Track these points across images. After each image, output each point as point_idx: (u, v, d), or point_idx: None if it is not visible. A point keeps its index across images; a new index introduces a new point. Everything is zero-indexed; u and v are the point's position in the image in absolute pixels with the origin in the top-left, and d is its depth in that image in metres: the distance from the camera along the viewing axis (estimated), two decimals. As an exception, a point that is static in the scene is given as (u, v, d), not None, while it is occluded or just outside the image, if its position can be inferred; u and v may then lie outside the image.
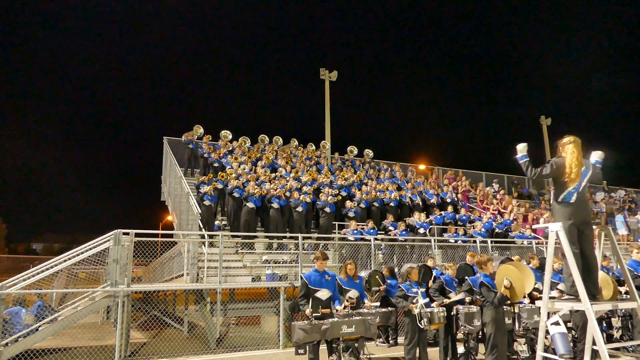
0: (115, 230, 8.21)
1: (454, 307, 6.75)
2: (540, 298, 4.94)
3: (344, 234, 12.05)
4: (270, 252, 11.68)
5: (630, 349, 6.79)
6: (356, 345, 5.93)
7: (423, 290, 6.82)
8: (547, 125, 26.21)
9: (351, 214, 13.17)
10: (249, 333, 9.78)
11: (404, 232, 12.46)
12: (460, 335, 6.94)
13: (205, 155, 15.54)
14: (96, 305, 8.07)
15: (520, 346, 7.07)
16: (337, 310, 6.06)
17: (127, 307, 7.81)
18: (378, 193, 14.60)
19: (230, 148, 16.51)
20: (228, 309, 9.66)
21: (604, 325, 7.41)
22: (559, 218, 4.56)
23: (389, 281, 8.52)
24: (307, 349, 5.52)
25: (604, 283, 5.15)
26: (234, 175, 13.34)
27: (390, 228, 12.94)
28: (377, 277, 8.53)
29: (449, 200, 16.04)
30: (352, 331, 5.50)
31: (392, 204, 14.43)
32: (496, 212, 16.48)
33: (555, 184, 4.65)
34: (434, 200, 15.52)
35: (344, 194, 14.35)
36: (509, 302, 6.01)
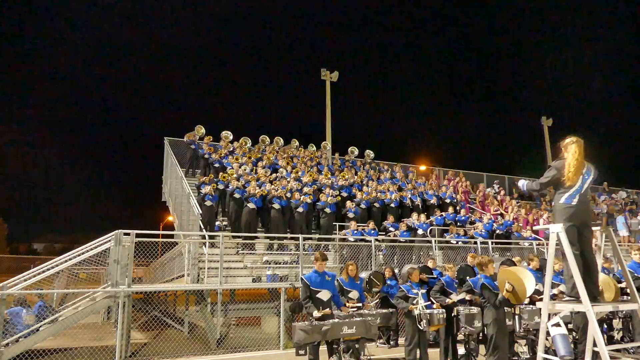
0: (116, 231, 8.21)
1: (455, 308, 6.75)
2: (540, 300, 4.94)
3: (345, 234, 12.05)
4: (271, 253, 11.67)
5: (631, 350, 6.78)
6: (357, 346, 5.93)
7: (424, 291, 6.82)
8: (548, 126, 26.19)
9: (351, 215, 13.17)
10: (249, 334, 9.78)
11: (405, 233, 12.46)
12: (460, 337, 6.94)
13: (206, 155, 15.55)
14: (97, 305, 8.07)
15: (521, 347, 7.06)
16: (342, 310, 6.06)
17: (127, 307, 7.81)
18: (379, 194, 14.60)
19: (231, 149, 16.52)
20: (228, 310, 9.66)
21: (605, 326, 7.41)
22: (559, 219, 4.56)
23: (389, 282, 8.52)
24: (308, 350, 5.52)
25: (606, 285, 5.14)
26: (235, 175, 13.35)
27: (391, 229, 12.94)
28: (375, 278, 8.53)
29: (448, 200, 16.04)
30: (353, 332, 5.50)
31: (392, 204, 14.43)
32: (497, 213, 16.47)
33: (557, 186, 4.66)
34: (433, 201, 15.52)
35: (344, 194, 14.36)
36: (510, 303, 6.01)
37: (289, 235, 12.05)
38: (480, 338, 6.73)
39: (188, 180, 13.70)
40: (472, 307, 6.67)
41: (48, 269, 8.09)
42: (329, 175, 15.46)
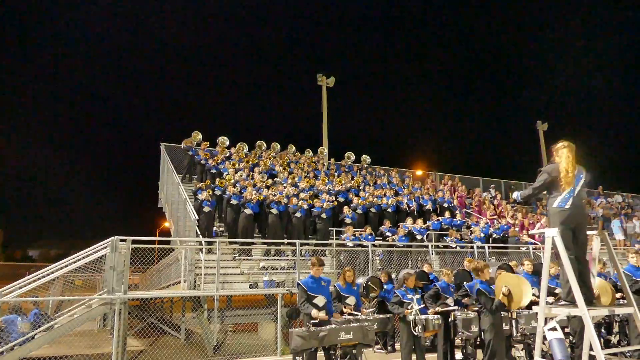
0: (112, 237, 8.17)
1: (452, 313, 6.76)
2: (536, 304, 4.95)
3: (342, 240, 12.04)
4: (268, 259, 11.65)
5: (628, 354, 6.79)
6: (354, 351, 5.90)
7: (418, 296, 6.82)
8: (543, 130, 26.37)
9: (348, 220, 13.17)
10: (246, 340, 9.74)
11: (402, 238, 12.47)
12: (458, 342, 6.94)
13: (203, 161, 15.53)
14: (93, 312, 8.04)
15: (518, 352, 7.06)
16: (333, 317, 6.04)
17: (123, 314, 7.77)
18: (375, 199, 14.62)
19: (228, 154, 16.51)
20: (225, 316, 9.64)
21: (602, 330, 7.42)
22: (554, 223, 4.58)
23: (386, 286, 8.51)
24: (305, 356, 5.51)
25: (603, 289, 5.16)
26: (232, 181, 13.34)
27: (388, 234, 12.94)
28: (373, 283, 8.52)
29: (445, 205, 16.07)
30: (350, 338, 5.50)
31: (389, 209, 14.45)
32: (494, 218, 16.51)
33: (550, 190, 4.69)
34: (428, 206, 15.53)
35: (341, 199, 14.36)
36: (505, 308, 6.02)
37: (285, 240, 12.03)
38: (477, 343, 6.73)
39: (184, 186, 13.67)
40: (469, 312, 6.68)
41: (43, 276, 8.03)
42: (326, 181, 15.47)
